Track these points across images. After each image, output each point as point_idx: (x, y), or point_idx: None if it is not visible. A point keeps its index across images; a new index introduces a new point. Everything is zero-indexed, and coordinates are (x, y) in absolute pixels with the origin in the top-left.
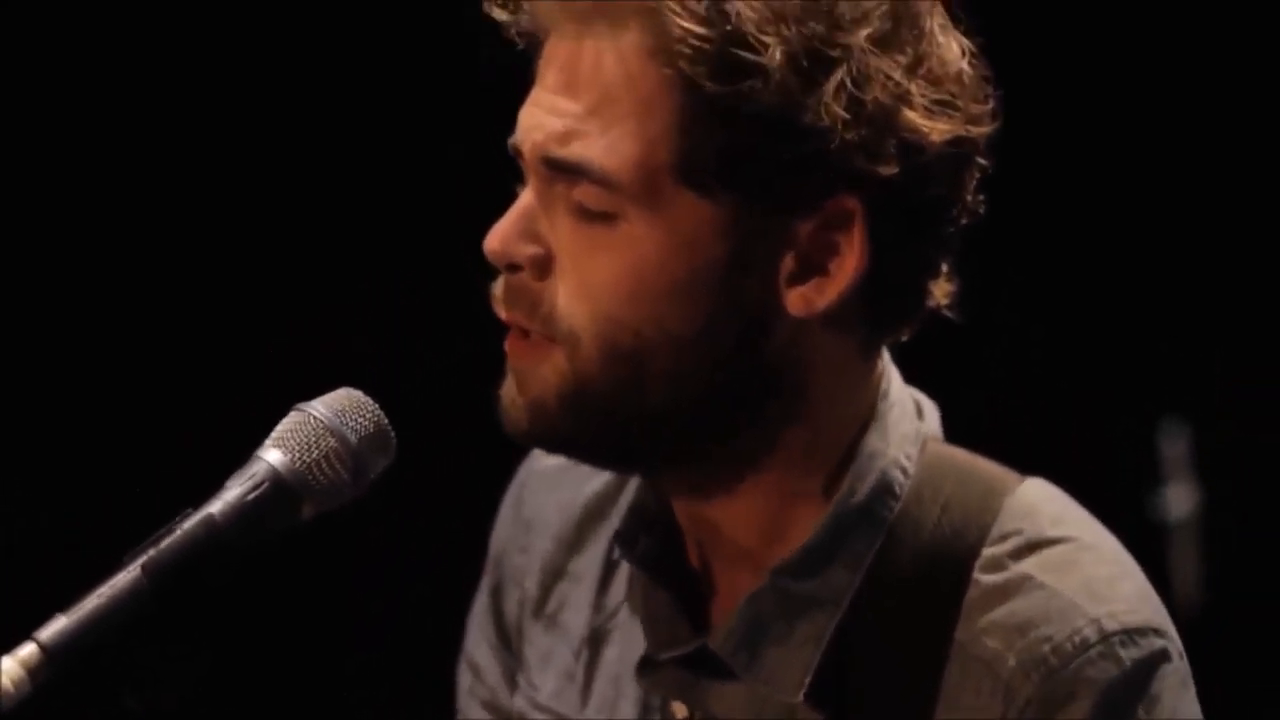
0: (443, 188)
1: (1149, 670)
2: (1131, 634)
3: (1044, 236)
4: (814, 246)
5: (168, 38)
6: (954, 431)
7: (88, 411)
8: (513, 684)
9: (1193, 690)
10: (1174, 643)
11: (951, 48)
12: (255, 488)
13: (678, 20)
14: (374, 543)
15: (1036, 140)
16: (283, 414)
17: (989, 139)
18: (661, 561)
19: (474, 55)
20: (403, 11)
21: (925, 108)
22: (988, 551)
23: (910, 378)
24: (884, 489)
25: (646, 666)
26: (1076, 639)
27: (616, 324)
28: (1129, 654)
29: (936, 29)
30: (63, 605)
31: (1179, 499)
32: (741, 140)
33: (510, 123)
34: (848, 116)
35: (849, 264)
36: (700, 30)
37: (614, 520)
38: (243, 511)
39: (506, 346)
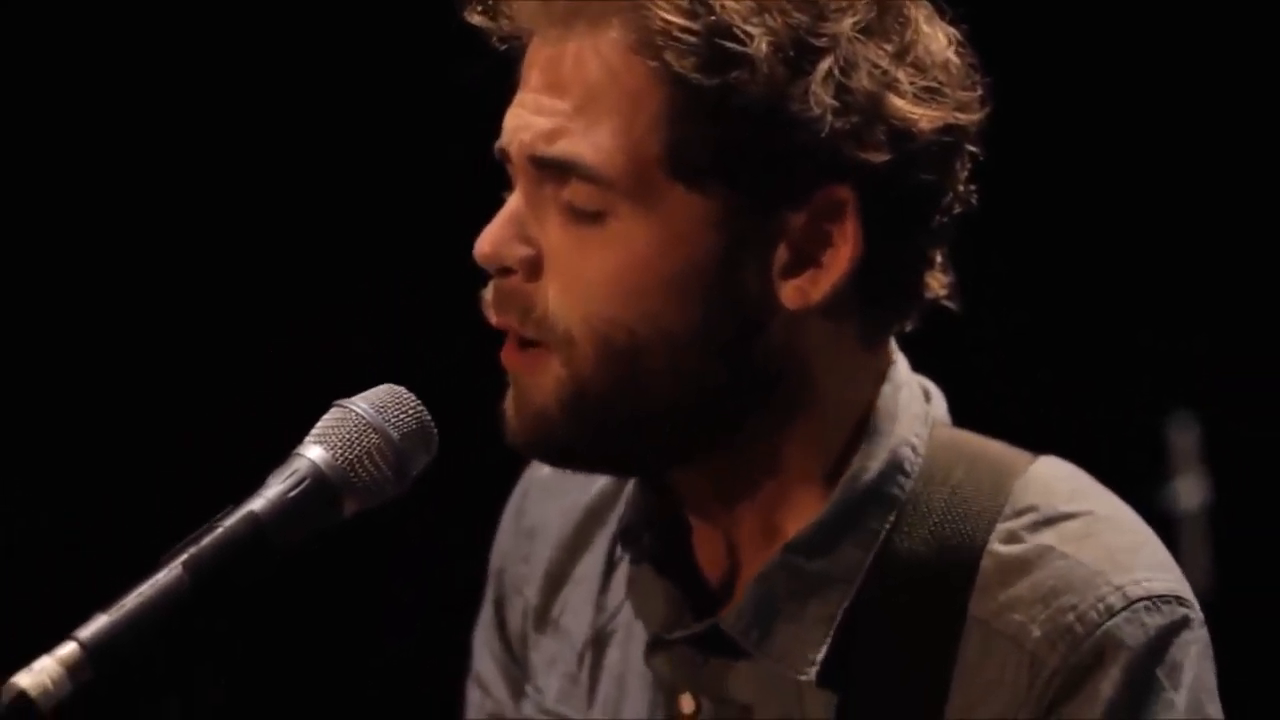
0: (461, 188)
1: (1173, 637)
2: (1156, 600)
3: (1053, 230)
4: (807, 238)
5: (174, 42)
6: (962, 424)
7: (111, 412)
8: (519, 695)
9: (1212, 660)
10: (1196, 611)
11: (937, 37)
12: (297, 484)
13: (661, 14)
14: (389, 546)
15: (1048, 133)
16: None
17: (982, 128)
18: (665, 555)
19: (473, 58)
20: (407, 14)
21: (913, 95)
22: (1003, 526)
23: (917, 370)
24: (895, 467)
25: (655, 649)
26: (1101, 606)
27: (611, 323)
28: (1154, 620)
29: (921, 19)
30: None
31: (1188, 491)
32: (730, 132)
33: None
34: (836, 104)
35: (842, 254)
36: (684, 23)
37: (613, 521)
38: (285, 509)
39: (503, 358)
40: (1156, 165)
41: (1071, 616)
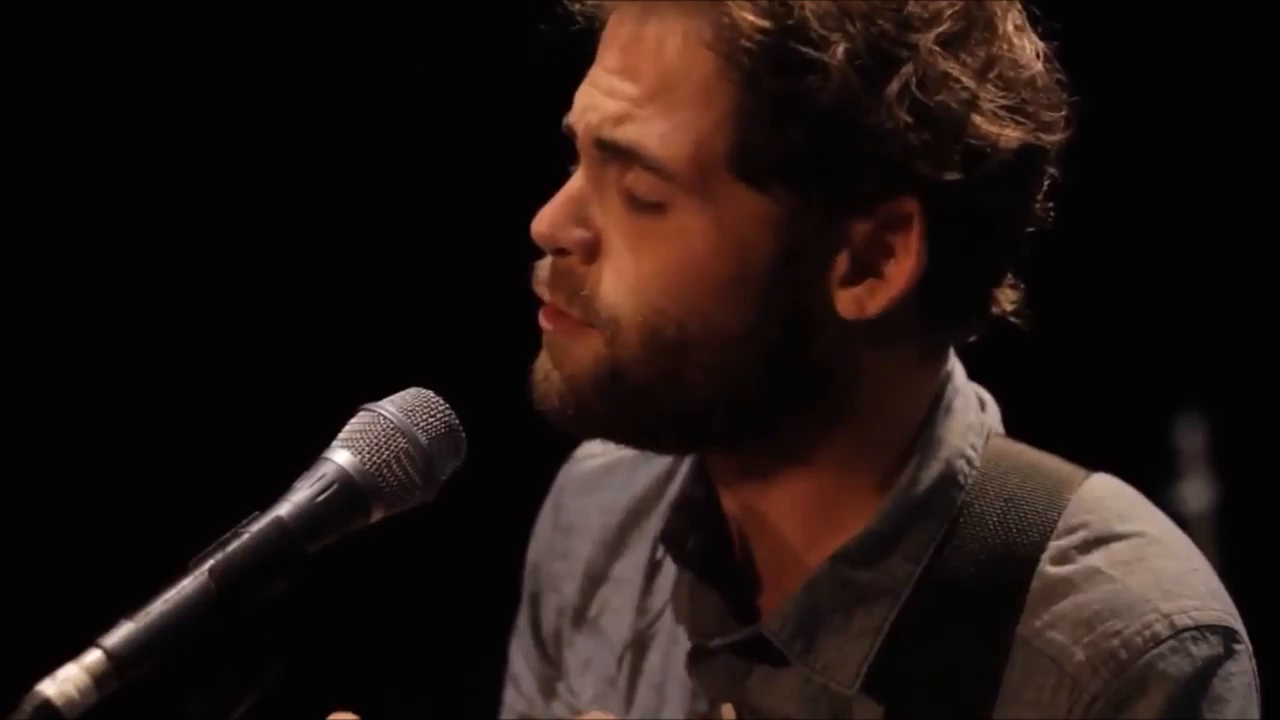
0: (486, 191)
1: (1218, 669)
2: (1204, 630)
3: (1059, 231)
4: (869, 248)
5: (208, 36)
6: None
7: (138, 416)
8: (550, 694)
9: (1257, 693)
10: (1244, 643)
11: (1026, 50)
12: (325, 489)
13: (740, 12)
14: (418, 551)
15: None
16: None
17: (1061, 147)
18: (709, 560)
19: (528, 37)
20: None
21: (994, 113)
22: (1054, 544)
23: None
24: (948, 479)
25: (698, 656)
26: (1147, 633)
27: (661, 314)
28: (1200, 651)
29: (1011, 30)
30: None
31: (1196, 493)
32: (798, 137)
33: (552, 111)
34: (911, 119)
35: (904, 268)
36: (762, 23)
37: (656, 523)
38: (312, 514)
39: (541, 318)
40: (1164, 165)
41: (1116, 642)
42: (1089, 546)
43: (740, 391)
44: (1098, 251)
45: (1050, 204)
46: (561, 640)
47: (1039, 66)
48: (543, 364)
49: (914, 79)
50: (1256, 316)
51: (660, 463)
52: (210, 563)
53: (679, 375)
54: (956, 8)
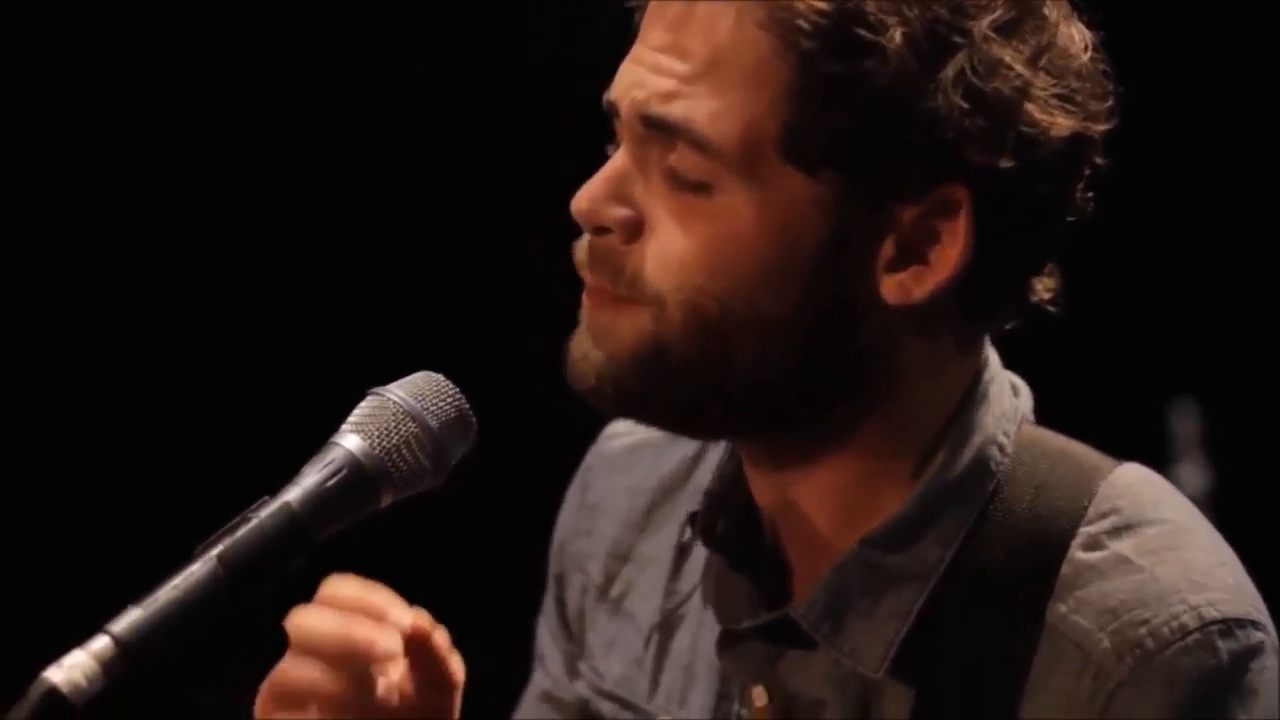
0: (495, 176)
1: (1246, 664)
2: (1230, 624)
3: None
4: (916, 234)
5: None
6: None
7: (143, 400)
8: (574, 673)
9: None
10: (1272, 637)
11: (1074, 40)
12: (333, 475)
13: None
14: (428, 536)
15: None
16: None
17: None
18: (738, 544)
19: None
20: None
21: (1045, 101)
22: (1084, 530)
23: None
24: (980, 465)
25: (727, 640)
26: (1174, 624)
27: (704, 294)
28: (1227, 645)
29: (1060, 19)
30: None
31: (1190, 478)
32: (851, 120)
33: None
34: (965, 105)
35: (950, 254)
36: (820, 5)
37: (684, 504)
38: (321, 499)
39: (585, 298)
40: (1156, 150)
41: (1143, 631)
42: (1119, 532)
43: (783, 376)
44: (1091, 236)
45: (1090, 194)
46: (586, 620)
47: (1086, 56)
48: (581, 343)
49: (968, 65)
50: (1251, 301)
51: (689, 443)
52: (219, 549)
53: (721, 356)
54: None
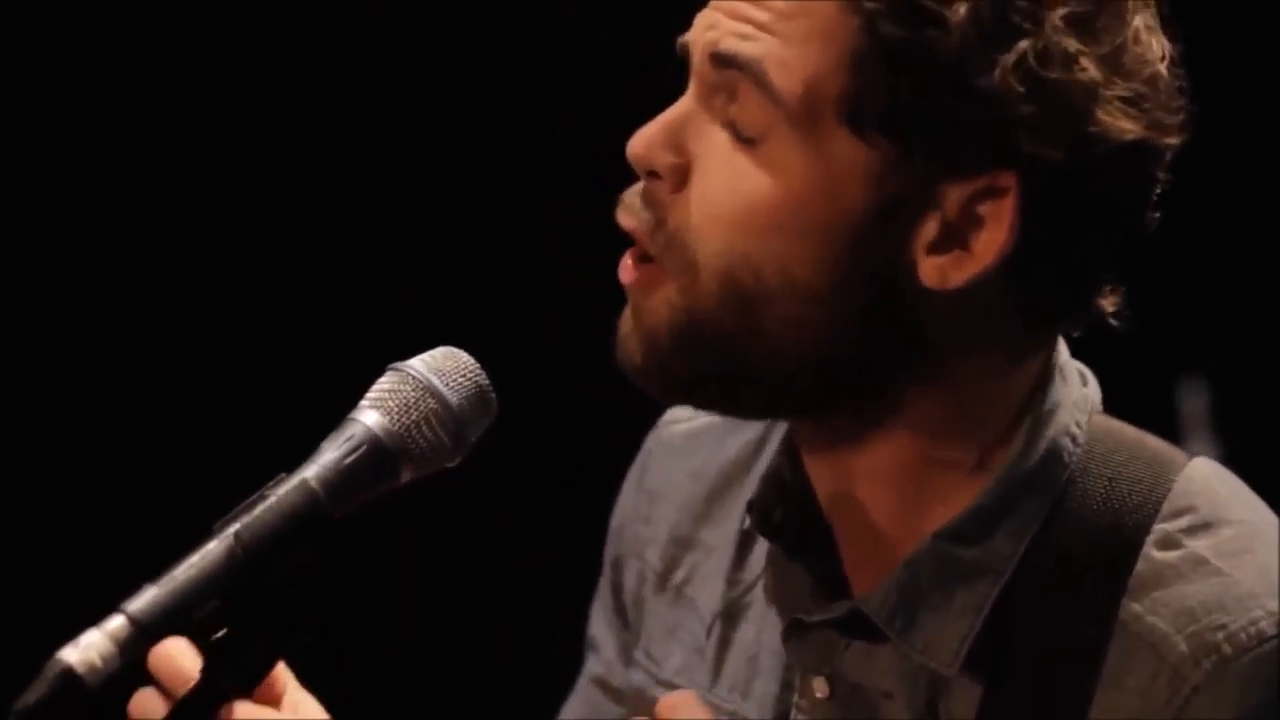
0: (512, 156)
1: None
2: None
3: None
4: (960, 217)
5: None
6: None
7: (161, 376)
8: (629, 660)
9: None
10: None
11: (1152, 48)
12: (353, 451)
13: None
14: (444, 513)
15: None
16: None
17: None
18: (797, 531)
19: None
20: None
21: (1110, 102)
22: (1160, 527)
23: None
24: (1054, 456)
25: (794, 631)
26: (1253, 629)
27: (742, 258)
28: None
29: (1141, 26)
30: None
31: None
32: (909, 89)
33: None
34: (1023, 90)
35: (993, 243)
36: None
37: (747, 491)
38: (340, 476)
39: (621, 269)
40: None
41: (1221, 635)
42: (1195, 532)
43: (816, 351)
44: None
45: (1157, 213)
46: (644, 607)
47: (1162, 66)
48: (625, 321)
49: (1034, 52)
50: (1259, 280)
51: (752, 429)
52: (235, 526)
53: (757, 329)
54: None
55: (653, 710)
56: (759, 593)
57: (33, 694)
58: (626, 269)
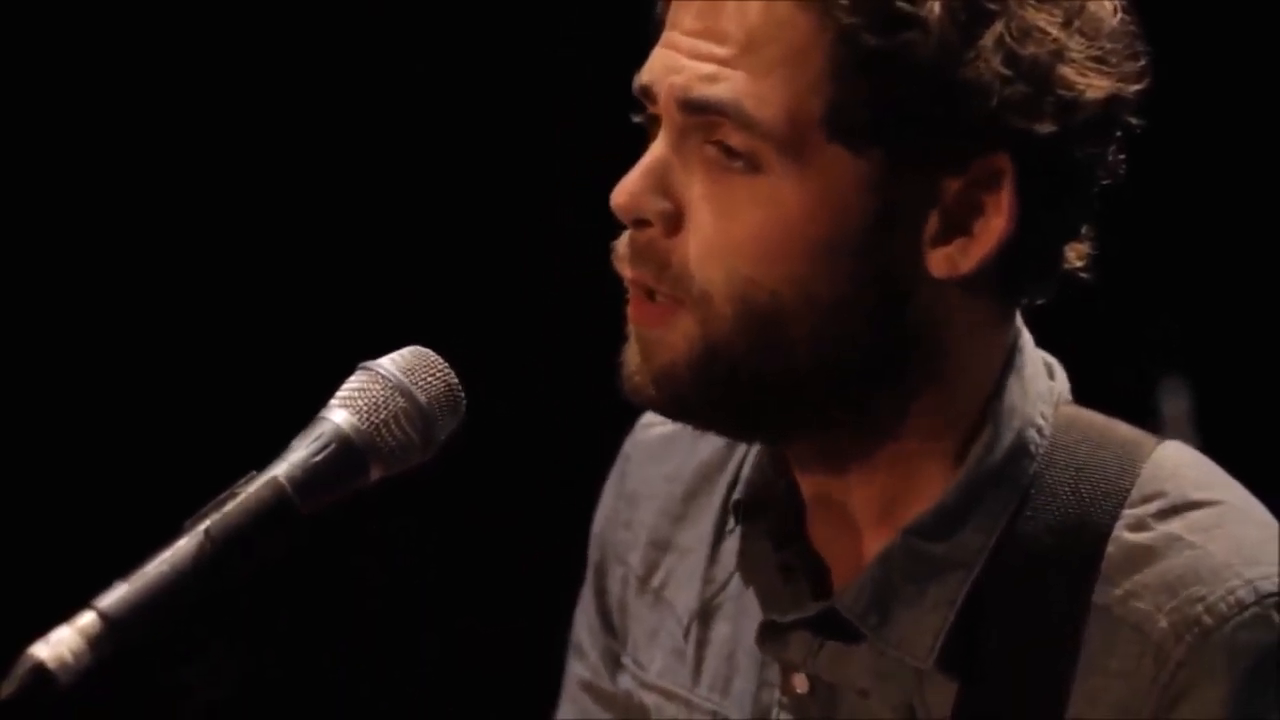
0: (492, 150)
1: None
2: None
3: None
4: (960, 206)
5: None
6: None
7: (132, 373)
8: (614, 665)
9: None
10: None
11: (1103, 3)
12: (322, 449)
13: None
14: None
15: None
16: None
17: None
18: (781, 530)
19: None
20: None
21: (1081, 64)
22: (1129, 512)
23: None
24: (1020, 450)
25: (769, 632)
26: (1231, 599)
27: (753, 284)
28: None
29: None
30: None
31: None
32: (895, 94)
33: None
34: (1006, 72)
35: (995, 225)
36: None
37: (721, 490)
38: (309, 474)
39: (629, 311)
40: (1151, 128)
41: (1200, 608)
42: (1166, 515)
43: (838, 362)
44: None
45: (1123, 156)
46: (627, 610)
47: (1116, 19)
48: (632, 357)
49: (1006, 31)
50: (1240, 280)
51: None
52: (206, 523)
53: (776, 348)
54: None
55: (641, 713)
56: (732, 591)
57: (4, 690)
58: (635, 307)
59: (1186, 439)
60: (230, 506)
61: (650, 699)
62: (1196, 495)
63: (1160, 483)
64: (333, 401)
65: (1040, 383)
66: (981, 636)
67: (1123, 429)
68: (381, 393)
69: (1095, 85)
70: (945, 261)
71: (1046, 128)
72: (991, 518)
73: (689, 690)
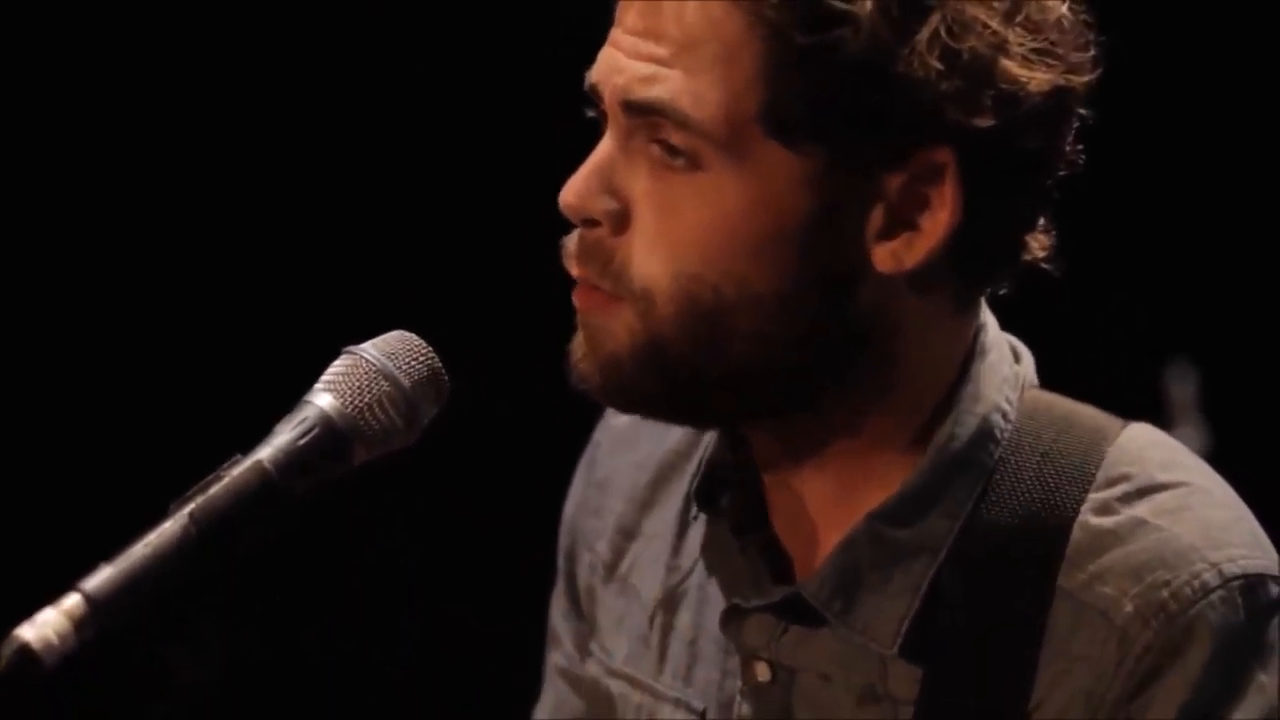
0: (469, 137)
1: (1268, 619)
2: (1252, 581)
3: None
4: (903, 201)
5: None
6: None
7: (116, 358)
8: (585, 651)
9: None
10: None
11: None
12: (306, 433)
13: None
14: (396, 496)
15: None
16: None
17: (1091, 88)
18: (742, 516)
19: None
20: None
21: (1023, 57)
22: (1095, 496)
23: None
24: (985, 435)
25: (733, 616)
26: (1196, 583)
27: (696, 281)
28: (1249, 601)
29: None
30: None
31: (1187, 441)
32: (830, 91)
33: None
34: (942, 67)
35: (940, 219)
36: None
37: (687, 478)
38: (293, 457)
39: (575, 299)
40: (1154, 111)
41: (1165, 593)
42: (1131, 498)
43: (784, 358)
44: (1087, 198)
45: (1080, 146)
46: (595, 598)
47: (1064, 8)
48: (579, 344)
49: (943, 26)
50: (1248, 263)
51: None
52: (191, 506)
53: (719, 343)
54: None
55: (607, 700)
56: (696, 578)
57: None
58: (580, 294)
59: (1194, 424)
60: (214, 490)
61: (616, 686)
62: (1162, 477)
63: (1125, 465)
64: (317, 385)
65: (1004, 368)
66: (946, 622)
67: (1089, 412)
68: (365, 376)
69: (1038, 78)
70: (890, 257)
71: (986, 121)
72: (956, 503)
73: (653, 678)
